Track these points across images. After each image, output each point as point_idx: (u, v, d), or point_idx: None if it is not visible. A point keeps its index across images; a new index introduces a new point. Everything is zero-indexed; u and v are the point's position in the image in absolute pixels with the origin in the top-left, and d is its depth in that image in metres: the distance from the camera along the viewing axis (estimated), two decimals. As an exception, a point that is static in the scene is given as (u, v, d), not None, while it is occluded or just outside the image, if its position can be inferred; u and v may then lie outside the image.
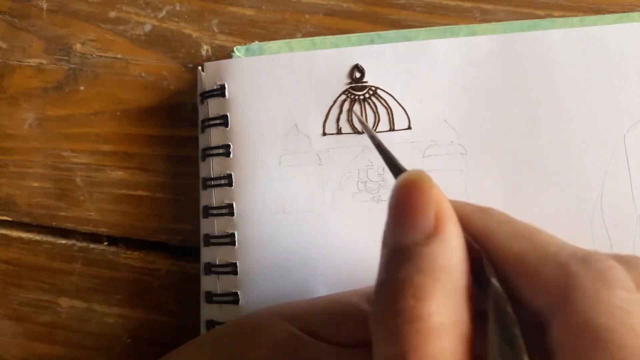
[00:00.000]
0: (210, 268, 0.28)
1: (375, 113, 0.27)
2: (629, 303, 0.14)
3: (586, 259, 0.15)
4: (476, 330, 0.15)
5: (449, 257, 0.15)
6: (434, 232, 0.16)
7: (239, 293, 0.27)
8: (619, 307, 0.14)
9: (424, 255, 0.15)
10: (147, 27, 0.31)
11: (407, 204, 0.16)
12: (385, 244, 0.17)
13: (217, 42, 0.30)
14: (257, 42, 0.29)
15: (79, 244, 0.31)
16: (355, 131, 0.27)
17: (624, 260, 0.16)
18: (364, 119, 0.26)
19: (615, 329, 0.13)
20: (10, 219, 0.32)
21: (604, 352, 0.13)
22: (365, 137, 0.26)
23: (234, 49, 0.28)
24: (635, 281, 0.15)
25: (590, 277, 0.14)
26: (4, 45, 0.32)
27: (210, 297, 0.28)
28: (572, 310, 0.14)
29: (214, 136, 0.28)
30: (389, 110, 0.27)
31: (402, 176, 0.16)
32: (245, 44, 0.29)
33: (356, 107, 0.27)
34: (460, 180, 0.26)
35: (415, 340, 0.14)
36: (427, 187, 0.16)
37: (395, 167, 0.19)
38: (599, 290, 0.14)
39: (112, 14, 0.31)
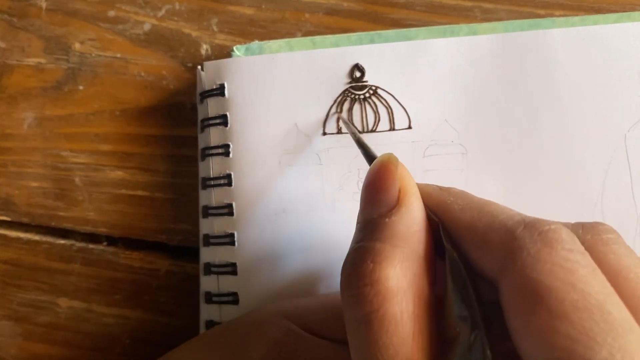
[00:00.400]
0: (209, 268, 0.28)
1: (376, 113, 0.27)
2: (571, 262, 0.14)
3: (532, 223, 0.15)
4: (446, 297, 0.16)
5: (408, 226, 0.17)
6: (397, 205, 0.17)
7: (238, 293, 0.27)
8: (558, 266, 0.14)
9: (386, 224, 0.17)
10: (147, 27, 0.31)
11: (375, 183, 0.18)
12: (357, 221, 0.18)
13: (216, 41, 0.30)
14: (256, 41, 0.29)
15: (78, 244, 0.31)
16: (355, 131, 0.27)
17: (582, 225, 0.16)
18: (346, 118, 0.26)
19: (555, 286, 0.14)
20: (9, 219, 0.32)
21: (545, 308, 0.13)
22: (365, 137, 0.26)
23: (234, 48, 0.28)
24: (586, 243, 0.15)
25: (533, 238, 0.15)
26: (2, 45, 0.32)
27: (210, 298, 0.28)
28: (516, 271, 0.15)
29: (214, 136, 0.27)
30: (389, 110, 0.27)
31: (374, 162, 0.18)
32: (245, 43, 0.29)
33: (345, 109, 0.27)
34: (460, 180, 0.26)
35: (376, 302, 0.16)
36: (392, 167, 0.18)
37: (372, 160, 0.21)
38: (540, 251, 0.14)
39: (111, 13, 0.31)
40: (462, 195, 0.18)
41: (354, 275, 0.16)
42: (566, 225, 0.16)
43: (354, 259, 0.17)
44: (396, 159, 0.18)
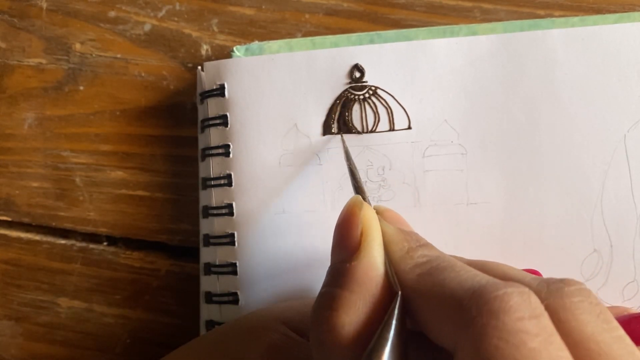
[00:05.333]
0: (209, 268, 0.28)
1: (375, 113, 0.27)
2: (519, 334, 0.13)
3: (480, 291, 0.14)
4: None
5: (366, 271, 0.17)
6: (357, 249, 0.17)
7: (238, 293, 0.27)
8: (504, 341, 0.13)
9: (346, 270, 0.17)
10: (147, 27, 0.31)
11: (341, 227, 0.18)
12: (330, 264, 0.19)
13: (216, 41, 0.30)
14: (256, 41, 0.29)
15: (78, 244, 0.31)
16: (355, 131, 0.27)
17: (547, 285, 0.16)
18: (347, 147, 0.26)
19: None
20: (9, 219, 0.32)
21: None
22: (365, 138, 0.26)
23: (234, 48, 0.28)
24: (549, 307, 0.15)
25: (480, 310, 0.14)
26: (3, 45, 0.32)
27: (210, 298, 0.28)
28: (465, 345, 0.14)
29: (214, 136, 0.28)
30: (389, 110, 0.27)
31: (344, 206, 0.19)
32: (245, 43, 0.29)
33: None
34: (460, 180, 0.26)
35: (333, 350, 0.16)
36: (357, 209, 0.18)
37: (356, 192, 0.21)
38: (486, 325, 0.14)
39: (112, 14, 0.31)
40: (423, 251, 0.18)
41: (316, 321, 0.17)
42: (530, 283, 0.16)
43: (318, 304, 0.17)
44: (361, 201, 0.19)
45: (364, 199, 0.20)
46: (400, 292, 0.17)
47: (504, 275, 0.16)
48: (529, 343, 0.13)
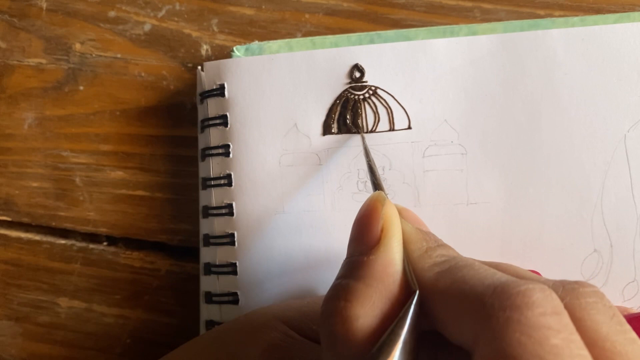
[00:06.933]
0: (209, 268, 0.28)
1: (375, 113, 0.27)
2: (542, 329, 0.13)
3: (502, 287, 0.14)
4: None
5: (385, 266, 0.17)
6: (376, 244, 0.17)
7: (238, 293, 0.27)
8: (527, 335, 0.13)
9: (364, 263, 0.17)
10: (147, 27, 0.31)
11: (361, 220, 0.18)
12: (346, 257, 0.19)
13: (216, 41, 0.30)
14: (256, 41, 0.29)
15: (78, 244, 0.31)
16: (355, 131, 0.27)
17: (562, 285, 0.16)
18: (367, 144, 0.26)
19: (524, 359, 0.13)
20: (9, 219, 0.32)
21: None
22: (364, 138, 0.26)
23: (234, 48, 0.28)
24: (567, 302, 0.15)
25: (502, 305, 0.14)
26: (3, 45, 0.32)
27: (210, 297, 0.28)
28: (486, 341, 0.14)
29: (214, 136, 0.28)
30: (389, 110, 0.27)
31: (365, 200, 0.19)
32: (245, 43, 0.29)
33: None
34: (460, 180, 0.26)
35: (344, 343, 0.16)
36: (379, 205, 0.18)
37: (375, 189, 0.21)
38: (509, 319, 0.13)
39: (112, 14, 0.31)
40: (436, 260, 0.17)
41: (329, 311, 0.17)
42: (546, 282, 0.16)
43: (331, 295, 0.17)
44: (384, 197, 0.19)
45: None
46: (417, 291, 0.16)
47: (518, 276, 0.16)
48: (551, 339, 0.13)
